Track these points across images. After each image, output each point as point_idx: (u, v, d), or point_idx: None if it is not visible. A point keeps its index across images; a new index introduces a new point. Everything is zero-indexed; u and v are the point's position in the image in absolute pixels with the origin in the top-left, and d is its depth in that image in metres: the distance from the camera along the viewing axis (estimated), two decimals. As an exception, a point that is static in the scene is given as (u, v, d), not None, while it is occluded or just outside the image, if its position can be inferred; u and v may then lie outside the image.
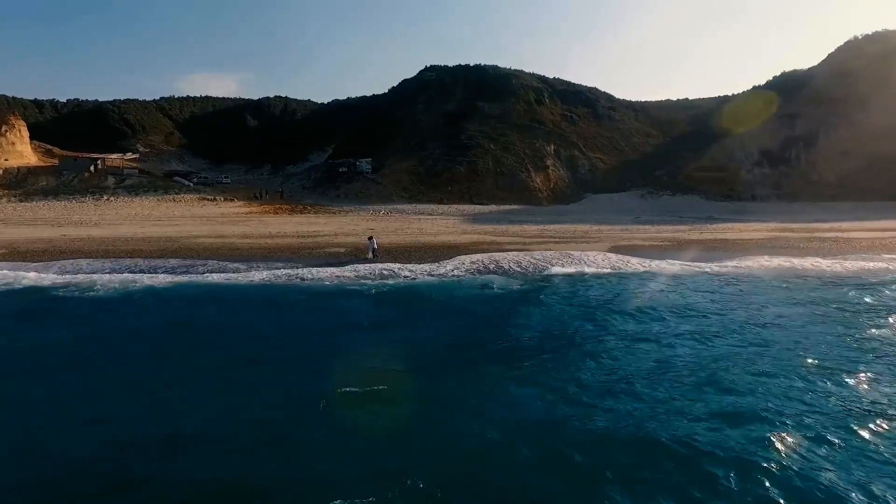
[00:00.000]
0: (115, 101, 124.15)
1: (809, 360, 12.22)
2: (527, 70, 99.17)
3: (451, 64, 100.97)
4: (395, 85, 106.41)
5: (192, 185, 63.92)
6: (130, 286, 20.11)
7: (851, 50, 78.23)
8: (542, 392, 10.69)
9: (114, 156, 68.98)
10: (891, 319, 16.06)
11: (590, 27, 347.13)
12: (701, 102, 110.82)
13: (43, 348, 13.55)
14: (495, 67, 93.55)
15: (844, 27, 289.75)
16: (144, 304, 18.12)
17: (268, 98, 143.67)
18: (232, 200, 57.76)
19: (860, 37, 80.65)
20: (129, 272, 22.51)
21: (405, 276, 22.79)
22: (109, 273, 22.22)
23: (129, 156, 73.69)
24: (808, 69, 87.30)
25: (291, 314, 17.43)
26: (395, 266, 24.72)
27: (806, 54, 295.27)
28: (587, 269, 25.44)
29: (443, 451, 8.46)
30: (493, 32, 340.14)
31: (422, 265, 24.88)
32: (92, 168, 60.20)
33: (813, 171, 64.73)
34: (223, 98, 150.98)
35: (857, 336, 14.51)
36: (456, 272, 23.90)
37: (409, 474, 7.64)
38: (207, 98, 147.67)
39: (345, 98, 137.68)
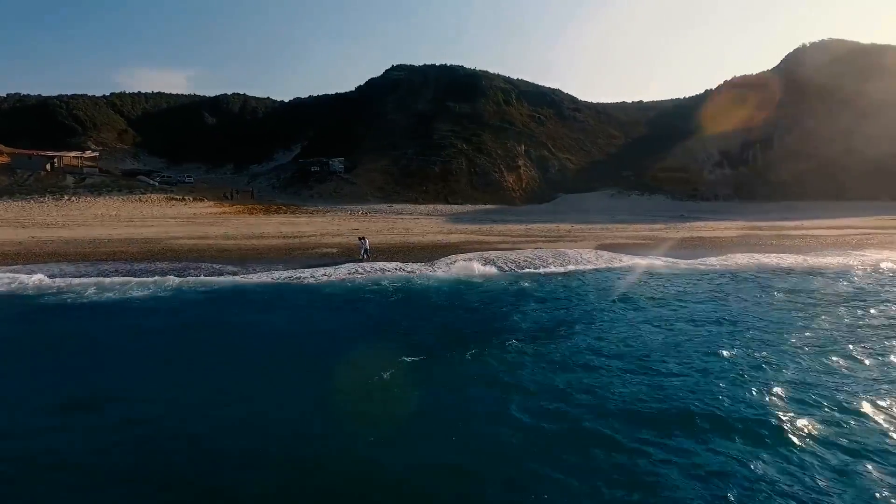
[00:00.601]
0: (61, 96, 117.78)
1: (822, 345, 13.02)
2: (491, 71, 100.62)
3: (416, 63, 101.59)
4: (361, 84, 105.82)
5: (156, 184, 61.45)
6: (141, 290, 19.32)
7: (800, 58, 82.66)
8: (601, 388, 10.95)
9: (71, 154, 65.48)
10: (871, 309, 17.31)
11: (550, 28, 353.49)
12: (656, 105, 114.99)
13: (108, 349, 13.02)
14: (462, 68, 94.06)
15: (792, 36, 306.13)
16: (172, 306, 17.54)
17: (225, 95, 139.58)
18: (202, 200, 55.88)
19: (808, 45, 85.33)
20: (130, 276, 21.55)
21: (411, 276, 22.71)
22: (103, 277, 21.22)
23: (89, 154, 70.09)
24: (757, 75, 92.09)
25: (319, 315, 17.17)
26: (393, 265, 24.58)
27: (756, 61, 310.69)
28: (583, 267, 26.04)
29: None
30: (456, 32, 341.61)
31: (422, 265, 24.82)
32: (48, 167, 56.95)
33: (769, 172, 68.13)
34: (177, 94, 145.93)
35: (848, 320, 15.70)
36: (460, 272, 23.92)
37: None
38: (160, 94, 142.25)
39: (307, 96, 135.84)
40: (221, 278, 21.66)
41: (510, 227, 43.01)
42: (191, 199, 56.01)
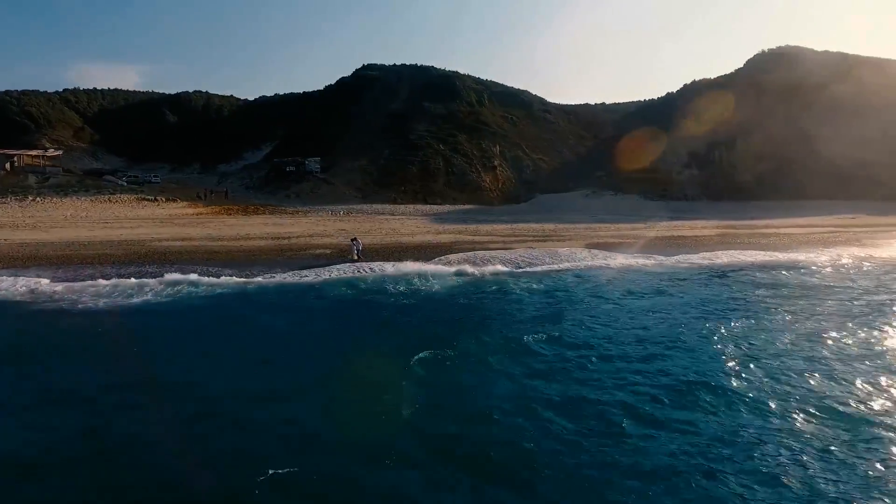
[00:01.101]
0: (10, 91, 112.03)
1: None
2: (460, 71, 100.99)
3: (384, 63, 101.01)
4: (331, 83, 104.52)
5: (124, 184, 59.22)
6: (143, 295, 18.75)
7: (761, 63, 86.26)
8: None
9: (32, 152, 62.38)
10: (855, 301, 18.72)
11: (514, 30, 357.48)
12: (618, 107, 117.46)
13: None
14: (434, 68, 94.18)
15: (753, 42, 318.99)
16: (182, 310, 17.15)
17: (187, 93, 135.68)
18: (175, 201, 54.20)
19: (767, 51, 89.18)
20: (123, 278, 20.83)
21: (414, 276, 22.65)
22: (99, 280, 20.45)
23: (52, 152, 66.91)
24: (715, 78, 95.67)
25: (337, 317, 17.12)
26: (392, 266, 24.51)
27: (717, 65, 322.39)
28: (578, 265, 26.59)
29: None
30: (417, 32, 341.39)
31: (421, 264, 24.79)
32: (8, 166, 54.10)
33: (734, 173, 70.76)
34: (134, 91, 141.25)
35: (837, 309, 17.02)
36: (462, 271, 23.99)
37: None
38: (117, 91, 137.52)
39: (273, 95, 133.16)
40: (223, 280, 21.22)
41: (496, 227, 43.40)
42: (163, 199, 54.26)
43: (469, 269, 24.45)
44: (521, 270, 25.01)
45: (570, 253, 29.78)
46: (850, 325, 15.47)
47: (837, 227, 45.51)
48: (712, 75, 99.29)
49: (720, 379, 11.26)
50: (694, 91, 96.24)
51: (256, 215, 48.77)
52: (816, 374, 11.49)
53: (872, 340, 14.01)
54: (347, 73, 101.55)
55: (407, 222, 46.10)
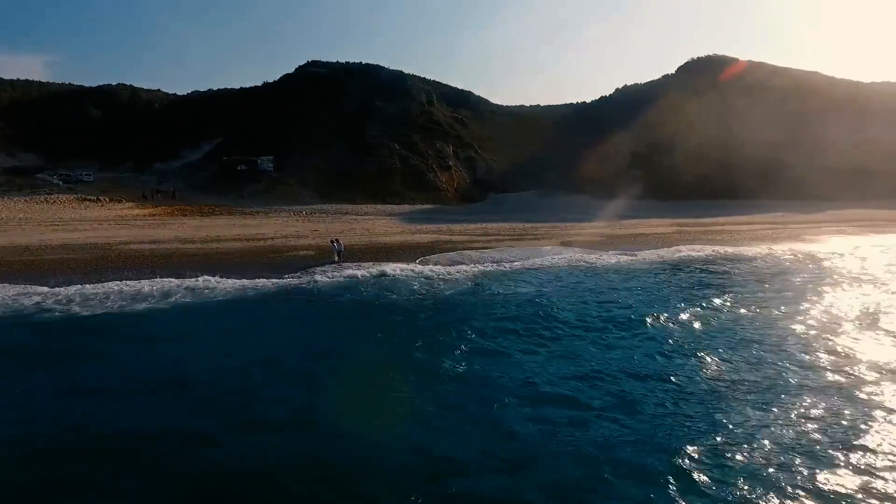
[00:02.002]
0: None
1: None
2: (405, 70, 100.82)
3: (328, 60, 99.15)
4: (270, 80, 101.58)
5: (60, 183, 54.86)
6: (144, 302, 17.79)
7: (693, 68, 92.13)
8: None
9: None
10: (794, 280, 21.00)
11: (448, 30, 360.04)
12: (554, 109, 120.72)
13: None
14: (383, 67, 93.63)
15: (687, 48, 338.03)
16: (194, 317, 16.46)
17: (110, 85, 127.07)
18: (120, 201, 50.91)
19: (695, 58, 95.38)
20: (112, 283, 19.58)
21: (410, 277, 22.63)
22: (85, 285, 19.14)
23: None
24: (647, 83, 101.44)
25: (358, 321, 16.94)
26: (384, 267, 24.13)
27: (646, 69, 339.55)
28: (562, 263, 27.47)
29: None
30: (354, 30, 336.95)
31: (414, 265, 24.93)
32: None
33: (674, 174, 75.09)
34: (48, 83, 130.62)
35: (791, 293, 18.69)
36: (456, 271, 24.15)
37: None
38: (30, 83, 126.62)
39: (206, 90, 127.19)
40: (222, 285, 20.26)
41: (466, 226, 43.99)
42: (106, 199, 50.81)
43: (461, 269, 24.74)
44: (516, 268, 25.61)
45: (555, 250, 30.91)
46: (824, 303, 17.46)
47: (775, 224, 49.67)
48: (642, 80, 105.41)
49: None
50: (628, 95, 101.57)
51: (215, 216, 46.77)
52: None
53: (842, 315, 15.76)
54: (279, 69, 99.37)
55: (377, 223, 45.82)
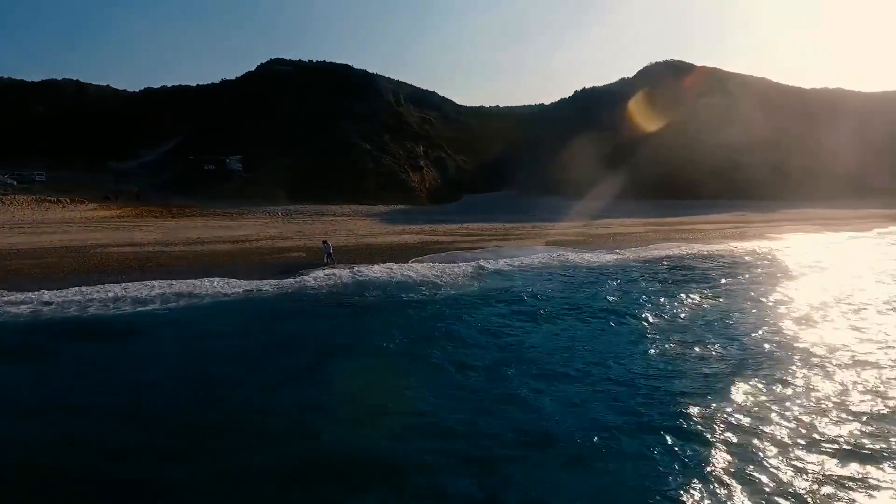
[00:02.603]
0: None
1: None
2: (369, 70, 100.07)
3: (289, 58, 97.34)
4: (230, 77, 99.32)
5: (14, 183, 51.83)
6: (153, 305, 17.29)
7: (652, 72, 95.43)
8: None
9: None
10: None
11: (409, 29, 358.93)
12: (514, 110, 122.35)
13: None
14: (350, 66, 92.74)
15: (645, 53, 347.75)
16: (212, 320, 16.06)
17: (54, 80, 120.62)
18: (82, 202, 48.69)
19: (654, 63, 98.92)
20: (113, 285, 18.87)
21: (413, 279, 22.54)
22: (86, 288, 18.40)
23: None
24: (605, 86, 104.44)
25: (382, 322, 16.90)
26: (381, 268, 24.04)
27: (600, 73, 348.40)
28: (562, 260, 28.10)
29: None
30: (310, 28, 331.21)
31: (414, 266, 24.99)
32: None
33: (638, 175, 77.54)
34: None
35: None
36: (459, 272, 24.31)
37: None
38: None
39: (160, 87, 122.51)
40: (225, 288, 19.82)
41: (448, 227, 44.27)
42: (67, 200, 48.42)
43: (466, 267, 24.98)
44: (514, 267, 25.97)
45: (544, 250, 31.53)
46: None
47: (738, 223, 52.18)
48: (600, 83, 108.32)
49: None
50: (590, 97, 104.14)
51: (187, 218, 45.41)
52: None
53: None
54: (235, 67, 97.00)
55: (358, 223, 45.52)
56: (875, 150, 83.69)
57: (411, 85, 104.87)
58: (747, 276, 24.36)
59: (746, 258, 30.11)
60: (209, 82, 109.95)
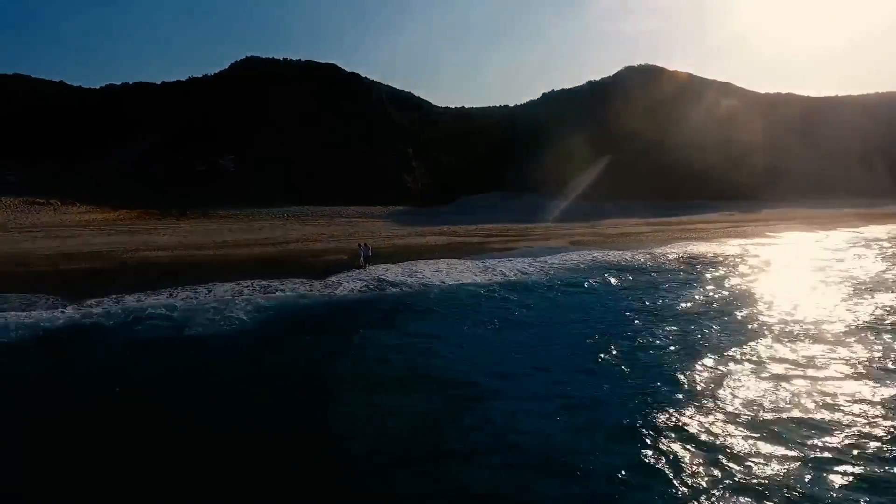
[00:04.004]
0: None
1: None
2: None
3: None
4: (208, 73, 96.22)
5: (-6, 185, 48.86)
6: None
7: (628, 76, 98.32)
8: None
9: None
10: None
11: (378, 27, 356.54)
12: (483, 111, 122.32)
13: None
14: (336, 65, 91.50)
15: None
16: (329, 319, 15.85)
17: (4, 75, 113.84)
18: (73, 204, 46.37)
19: (632, 66, 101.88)
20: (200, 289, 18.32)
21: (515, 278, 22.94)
22: (172, 299, 17.80)
23: None
24: (574, 88, 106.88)
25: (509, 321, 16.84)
26: (465, 262, 24.19)
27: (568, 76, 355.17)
28: (597, 260, 28.58)
29: None
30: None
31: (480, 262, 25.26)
32: None
33: (619, 176, 79.56)
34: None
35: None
36: (524, 269, 24.65)
37: None
38: None
39: (121, 84, 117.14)
40: (305, 290, 19.60)
41: (465, 227, 44.56)
42: (58, 202, 46.06)
43: (523, 265, 25.37)
44: (568, 265, 26.24)
45: (574, 250, 32.22)
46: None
47: (734, 221, 54.64)
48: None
49: None
50: (553, 99, 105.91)
51: (192, 220, 43.99)
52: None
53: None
54: (199, 65, 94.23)
55: (374, 224, 45.20)
56: (839, 153, 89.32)
57: (389, 86, 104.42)
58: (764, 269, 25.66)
59: (760, 254, 31.30)
60: (175, 79, 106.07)
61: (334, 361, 12.85)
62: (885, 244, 36.21)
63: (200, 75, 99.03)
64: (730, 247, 35.08)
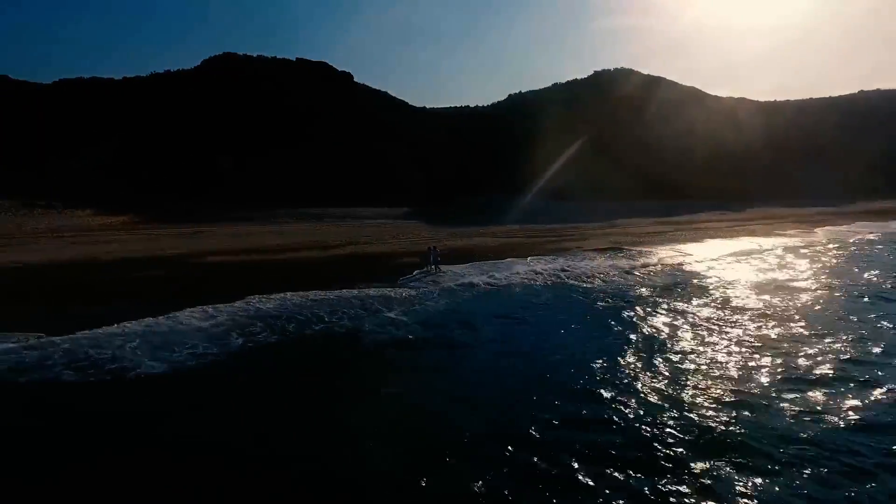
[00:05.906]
0: None
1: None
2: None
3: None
4: (183, 68, 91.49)
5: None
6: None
7: (608, 78, 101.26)
8: None
9: None
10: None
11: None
12: (446, 111, 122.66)
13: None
14: (328, 64, 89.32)
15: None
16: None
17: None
18: (76, 208, 42.93)
19: (611, 69, 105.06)
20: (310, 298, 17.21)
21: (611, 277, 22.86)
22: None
23: None
24: (540, 90, 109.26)
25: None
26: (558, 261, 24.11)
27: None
28: (664, 259, 29.20)
29: None
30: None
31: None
32: None
33: (604, 176, 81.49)
34: None
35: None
36: (609, 267, 24.75)
37: None
38: None
39: (76, 77, 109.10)
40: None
41: (494, 229, 44.64)
42: (61, 206, 42.55)
43: (598, 263, 25.62)
44: (665, 264, 26.49)
45: (648, 251, 32.26)
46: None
47: (732, 221, 57.09)
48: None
49: None
50: (526, 100, 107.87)
51: (207, 224, 41.56)
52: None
53: None
54: (167, 60, 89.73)
55: (404, 227, 44.15)
56: (818, 158, 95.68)
57: (371, 87, 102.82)
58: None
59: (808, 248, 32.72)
60: (135, 75, 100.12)
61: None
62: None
63: (161, 71, 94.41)
64: (762, 242, 36.32)
